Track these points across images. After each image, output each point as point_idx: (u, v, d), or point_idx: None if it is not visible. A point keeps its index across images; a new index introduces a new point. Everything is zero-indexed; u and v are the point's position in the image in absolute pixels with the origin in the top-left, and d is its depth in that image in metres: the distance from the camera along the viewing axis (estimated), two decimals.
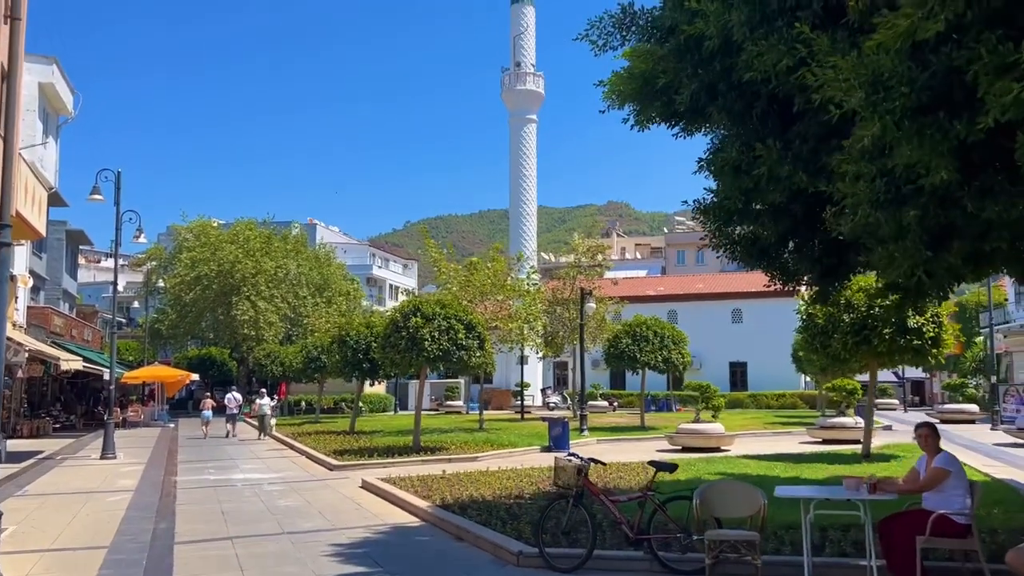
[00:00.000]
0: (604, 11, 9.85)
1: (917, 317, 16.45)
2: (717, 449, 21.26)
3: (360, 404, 45.81)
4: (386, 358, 21.09)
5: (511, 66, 54.48)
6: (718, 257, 11.35)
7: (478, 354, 21.07)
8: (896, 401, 49.09)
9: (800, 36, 6.73)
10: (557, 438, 21.88)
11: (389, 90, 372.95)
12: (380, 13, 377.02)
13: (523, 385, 45.31)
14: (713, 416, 22.17)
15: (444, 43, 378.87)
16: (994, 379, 30.02)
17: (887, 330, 16.38)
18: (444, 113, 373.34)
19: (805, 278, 11.07)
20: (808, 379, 50.83)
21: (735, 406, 45.95)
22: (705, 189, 10.66)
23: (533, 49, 54.94)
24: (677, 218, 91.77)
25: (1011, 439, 21.98)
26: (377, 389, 46.95)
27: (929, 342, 16.58)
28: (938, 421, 33.73)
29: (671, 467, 8.57)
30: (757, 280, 55.61)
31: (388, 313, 54.12)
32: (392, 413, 47.02)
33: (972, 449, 19.76)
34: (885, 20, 5.48)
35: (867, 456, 17.51)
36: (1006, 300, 43.36)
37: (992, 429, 27.21)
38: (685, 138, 11.42)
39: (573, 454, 8.83)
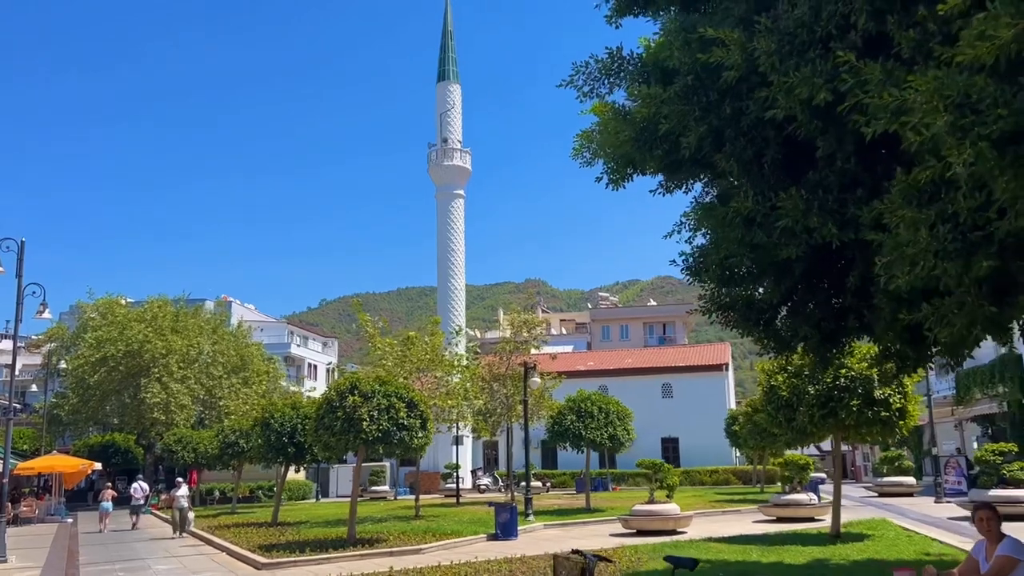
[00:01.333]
0: (591, 56, 9.11)
1: (884, 388, 15.95)
2: (673, 532, 20.13)
3: (278, 491, 43.08)
4: (319, 441, 19.35)
5: (438, 142, 54.21)
6: (710, 323, 10.45)
7: (420, 434, 19.59)
8: (824, 475, 49.02)
9: (844, 65, 5.98)
10: (505, 524, 20.37)
11: (305, 163, 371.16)
12: (301, 84, 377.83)
13: (455, 467, 43.45)
14: (668, 496, 21.12)
15: (363, 119, 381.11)
16: (935, 450, 30.04)
17: (855, 402, 15.80)
18: (362, 189, 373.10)
19: (801, 345, 10.27)
20: (739, 454, 50.56)
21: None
22: (694, 248, 9.87)
23: (459, 125, 54.91)
24: (601, 294, 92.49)
25: (966, 512, 21.55)
26: (297, 475, 44.21)
27: (896, 413, 16.06)
28: (876, 495, 33.58)
29: (691, 563, 7.40)
30: (687, 354, 55.86)
31: (310, 392, 51.69)
32: (314, 500, 44.30)
33: (935, 525, 19.21)
34: (974, 29, 4.73)
35: (838, 536, 16.67)
36: (925, 373, 44.19)
37: (936, 502, 26.94)
38: (664, 195, 10.66)
39: (577, 551, 7.58)
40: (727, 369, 51.74)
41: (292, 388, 54.92)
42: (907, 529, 18.08)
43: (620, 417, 26.69)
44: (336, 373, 76.75)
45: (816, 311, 9.51)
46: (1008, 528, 17.51)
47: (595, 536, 20.22)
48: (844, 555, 14.03)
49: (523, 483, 35.21)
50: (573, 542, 19.23)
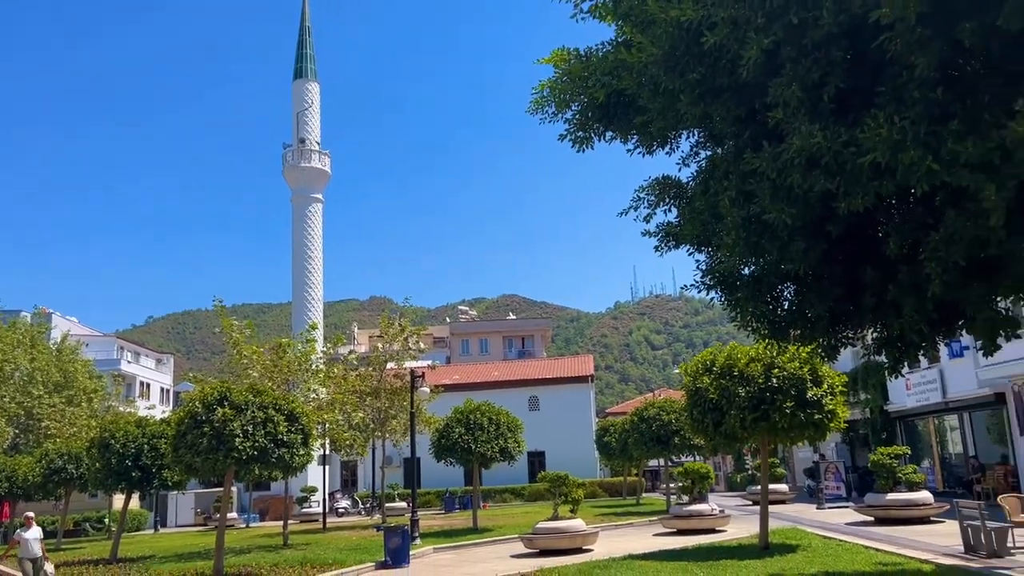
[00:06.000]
0: None
1: (816, 388, 15.15)
2: (580, 550, 18.62)
3: (110, 522, 38.17)
4: (180, 461, 16.41)
5: (294, 142, 50.90)
6: (710, 302, 8.94)
7: (302, 451, 17.16)
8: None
9: None
10: (396, 551, 18.12)
11: (122, 178, 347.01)
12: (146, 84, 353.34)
13: (312, 490, 40.39)
14: (572, 511, 19.59)
15: (209, 124, 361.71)
16: (816, 458, 30.35)
17: (788, 404, 14.88)
18: (192, 203, 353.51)
19: (800, 330, 8.95)
20: (603, 466, 50.19)
21: (537, 498, 43.78)
22: (691, 212, 8.36)
23: (318, 126, 51.85)
24: (461, 307, 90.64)
25: (860, 517, 21.42)
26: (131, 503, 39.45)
27: (828, 416, 15.29)
28: (750, 503, 33.66)
29: None
30: (552, 366, 55.04)
31: (149, 409, 46.54)
32: (152, 531, 39.66)
33: (843, 532, 18.70)
34: None
35: (766, 548, 15.66)
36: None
37: (819, 508, 27.01)
38: (644, 155, 9.17)
39: None
40: (591, 381, 51.40)
41: (124, 408, 49.49)
42: (827, 537, 17.40)
43: (511, 428, 24.99)
44: (172, 395, 70.62)
45: (833, 287, 8.21)
46: (903, 531, 16.86)
47: (497, 558, 18.38)
48: (796, 568, 12.93)
49: (386, 505, 32.88)
50: (473, 567, 17.32)
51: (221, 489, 41.37)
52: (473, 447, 23.70)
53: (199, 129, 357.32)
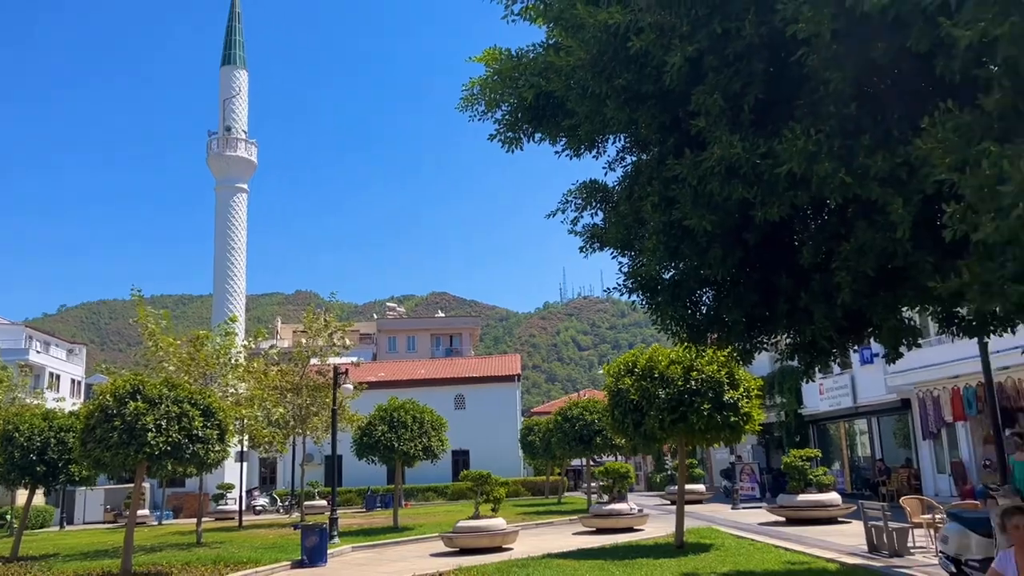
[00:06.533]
0: None
1: (732, 391, 15.55)
2: (500, 548, 18.67)
3: (12, 519, 36.48)
4: (88, 456, 15.81)
5: (220, 130, 49.63)
6: (632, 305, 9.06)
7: (217, 447, 16.74)
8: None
9: None
10: (313, 549, 17.85)
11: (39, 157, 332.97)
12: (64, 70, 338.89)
13: (229, 487, 39.51)
14: (493, 510, 19.61)
15: (129, 111, 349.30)
16: (733, 459, 31.12)
17: (706, 406, 15.24)
18: (112, 189, 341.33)
19: (718, 335, 9.17)
20: (528, 465, 50.44)
21: (460, 497, 43.75)
22: (620, 213, 8.47)
23: (246, 114, 50.69)
24: (388, 304, 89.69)
25: (773, 517, 22.04)
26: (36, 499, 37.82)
27: (743, 418, 15.71)
28: (669, 502, 34.33)
29: None
30: (479, 365, 55.06)
31: (58, 402, 44.89)
32: (58, 528, 38.13)
33: (756, 532, 19.22)
34: None
35: (681, 547, 15.99)
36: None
37: (733, 508, 27.70)
38: (572, 158, 9.25)
39: None
40: (518, 380, 51.66)
41: (31, 400, 47.46)
42: (740, 537, 17.87)
43: (435, 427, 24.88)
44: (83, 387, 68.03)
45: (749, 293, 8.43)
46: (812, 531, 17.50)
47: (416, 557, 18.30)
48: (709, 567, 13.24)
49: (305, 503, 32.34)
50: (392, 565, 17.20)
51: (132, 485, 40.22)
52: (396, 445, 23.51)
53: (119, 114, 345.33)
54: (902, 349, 8.13)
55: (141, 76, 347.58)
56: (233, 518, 36.09)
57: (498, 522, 19.25)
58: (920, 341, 8.69)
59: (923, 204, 5.79)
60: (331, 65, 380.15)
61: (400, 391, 47.84)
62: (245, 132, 50.17)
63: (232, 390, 23.61)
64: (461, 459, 48.96)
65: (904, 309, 7.98)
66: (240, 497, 32.34)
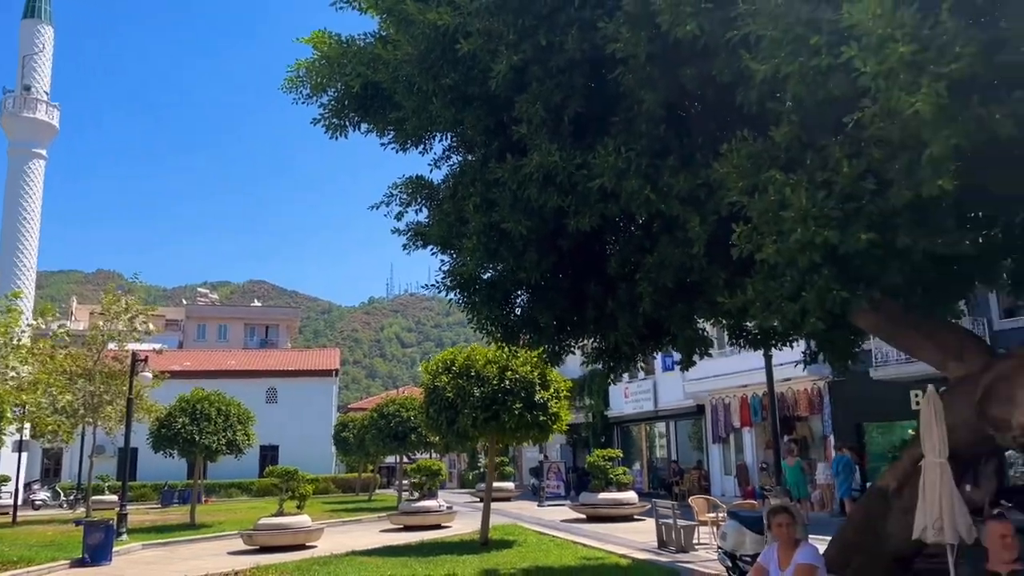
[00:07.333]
0: None
1: (543, 392, 16.03)
2: (303, 546, 18.20)
3: None
4: None
5: (17, 88, 45.20)
6: (449, 303, 9.11)
7: None
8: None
9: None
10: (96, 547, 16.60)
11: None
12: None
13: (2, 479, 36.01)
14: (299, 507, 19.06)
15: None
16: (541, 458, 32.05)
17: (517, 405, 15.62)
18: None
19: (529, 336, 9.43)
20: (341, 462, 49.56)
21: (266, 494, 42.25)
22: (438, 213, 8.50)
23: (48, 75, 46.48)
24: (200, 290, 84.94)
25: (575, 514, 22.92)
26: None
27: (552, 417, 16.23)
28: (478, 499, 34.86)
29: None
30: (295, 358, 53.38)
31: None
32: None
33: (557, 529, 19.89)
34: None
35: (485, 544, 16.28)
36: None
37: (540, 506, 28.55)
38: (398, 151, 9.21)
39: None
40: (336, 375, 50.66)
41: None
42: (542, 534, 18.44)
43: (242, 420, 23.85)
44: None
45: (561, 298, 8.74)
46: (610, 528, 18.54)
47: (211, 555, 17.47)
48: (509, 563, 13.56)
49: (93, 498, 30.08)
50: (185, 564, 16.32)
51: None
52: (197, 439, 22.31)
53: None
54: (695, 358, 8.71)
55: None
56: (7, 513, 32.89)
57: (302, 519, 18.76)
58: (713, 352, 9.35)
59: (718, 224, 6.22)
60: (152, 33, 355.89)
61: (207, 382, 45.53)
62: (47, 93, 46.01)
63: (13, 373, 21.51)
64: (270, 455, 47.31)
65: (699, 320, 8.56)
66: (16, 491, 29.45)
